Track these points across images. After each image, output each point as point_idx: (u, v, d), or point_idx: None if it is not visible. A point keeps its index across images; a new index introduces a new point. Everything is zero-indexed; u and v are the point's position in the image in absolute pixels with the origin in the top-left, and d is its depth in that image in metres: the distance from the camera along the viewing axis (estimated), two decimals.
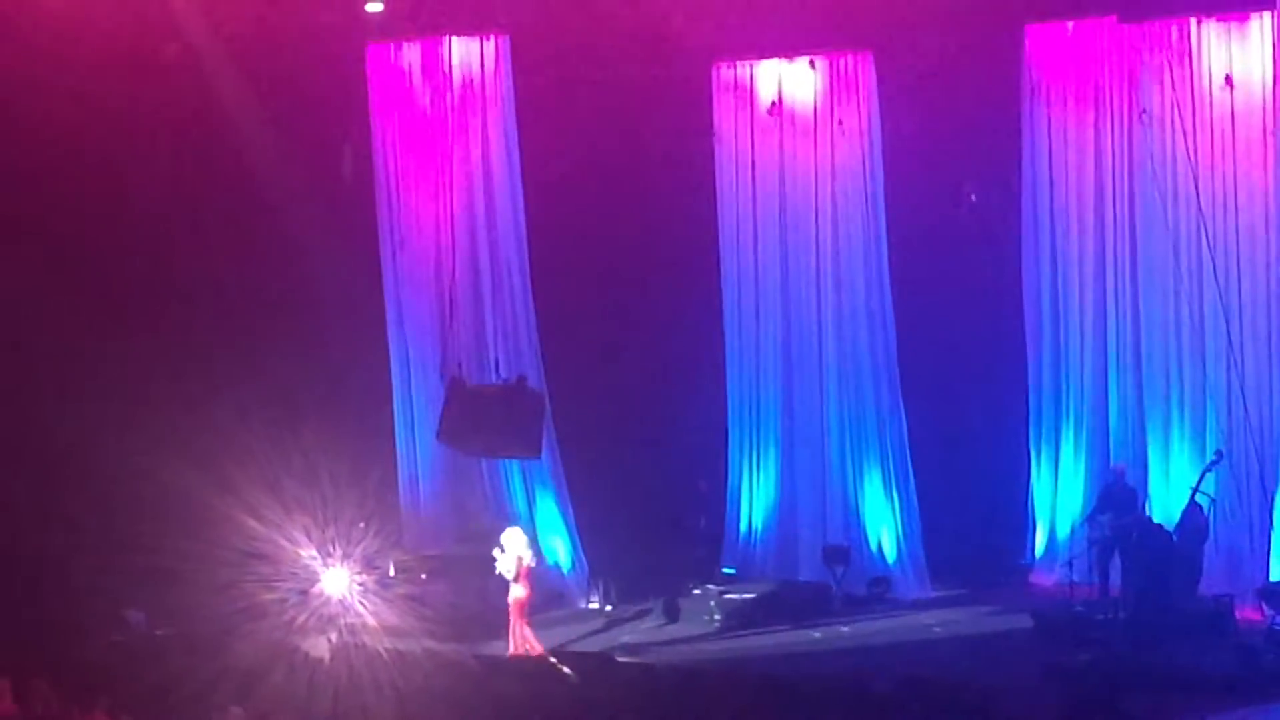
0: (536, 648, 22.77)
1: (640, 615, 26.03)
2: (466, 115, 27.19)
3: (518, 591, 22.89)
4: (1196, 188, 25.08)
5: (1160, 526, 24.05)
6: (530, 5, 26.75)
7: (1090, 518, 24.68)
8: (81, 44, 25.62)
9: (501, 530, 25.98)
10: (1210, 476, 24.12)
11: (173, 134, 26.50)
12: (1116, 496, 24.59)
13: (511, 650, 22.77)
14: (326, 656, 21.51)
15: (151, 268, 26.69)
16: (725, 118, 27.44)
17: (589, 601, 26.76)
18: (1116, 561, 24.15)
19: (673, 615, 25.66)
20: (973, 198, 26.67)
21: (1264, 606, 23.31)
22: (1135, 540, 23.62)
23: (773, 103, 27.26)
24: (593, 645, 24.21)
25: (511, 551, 22.94)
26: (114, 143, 26.11)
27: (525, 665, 21.84)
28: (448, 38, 27.15)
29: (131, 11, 25.86)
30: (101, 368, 25.77)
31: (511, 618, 22.88)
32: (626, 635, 25.02)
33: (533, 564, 23.24)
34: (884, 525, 26.69)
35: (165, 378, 25.77)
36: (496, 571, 23.07)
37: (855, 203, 26.86)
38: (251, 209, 27.08)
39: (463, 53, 27.17)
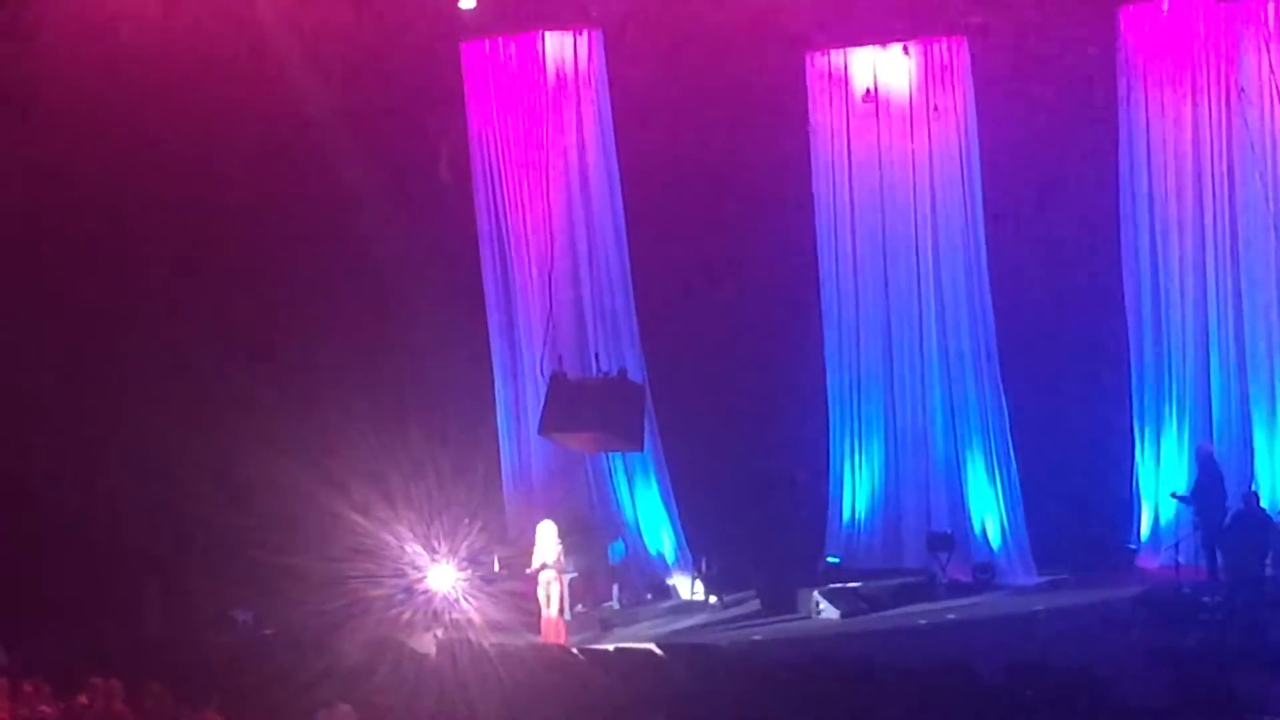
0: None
1: (744, 605, 26.04)
2: (562, 110, 27.29)
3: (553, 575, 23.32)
4: None
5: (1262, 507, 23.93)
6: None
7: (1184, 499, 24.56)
8: (178, 49, 25.86)
9: (610, 523, 26.22)
10: None
11: (271, 141, 26.60)
12: (1201, 480, 24.38)
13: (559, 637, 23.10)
14: (432, 652, 21.62)
15: (255, 273, 26.87)
16: (820, 107, 27.40)
17: (693, 592, 26.80)
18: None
19: (777, 604, 25.66)
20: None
21: None
22: (1230, 523, 23.43)
23: (867, 90, 27.18)
24: (696, 636, 24.25)
25: (553, 540, 23.35)
26: (212, 152, 26.31)
27: (630, 658, 21.88)
28: (542, 33, 27.27)
29: (227, 17, 26.07)
30: (207, 371, 26.05)
31: (564, 600, 23.22)
32: (730, 625, 25.05)
33: None
34: (988, 511, 26.61)
35: (270, 379, 26.00)
36: (538, 565, 23.47)
37: (952, 188, 26.80)
38: (352, 210, 27.25)
39: (557, 48, 27.28)
